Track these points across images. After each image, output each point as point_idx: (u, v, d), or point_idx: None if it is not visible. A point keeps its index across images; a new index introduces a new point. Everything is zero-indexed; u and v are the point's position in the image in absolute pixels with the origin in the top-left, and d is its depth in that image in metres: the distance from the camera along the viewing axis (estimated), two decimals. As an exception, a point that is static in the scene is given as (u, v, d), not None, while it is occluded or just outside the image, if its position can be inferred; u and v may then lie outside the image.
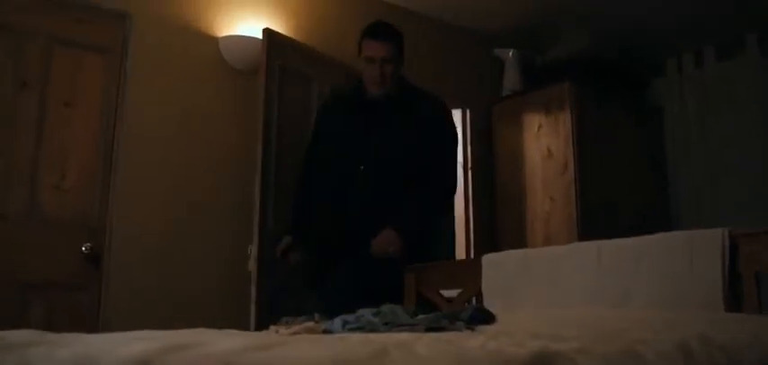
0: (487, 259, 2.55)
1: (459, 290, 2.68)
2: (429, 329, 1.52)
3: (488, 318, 1.85)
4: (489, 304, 2.30)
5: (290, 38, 3.58)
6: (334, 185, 2.83)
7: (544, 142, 4.34)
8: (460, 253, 4.44)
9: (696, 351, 1.15)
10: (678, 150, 4.88)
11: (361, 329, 1.53)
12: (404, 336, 1.26)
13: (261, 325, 2.81)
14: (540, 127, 4.39)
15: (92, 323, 3.01)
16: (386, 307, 1.68)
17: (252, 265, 3.11)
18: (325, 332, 1.54)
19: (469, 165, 4.56)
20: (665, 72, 5.02)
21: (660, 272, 2.01)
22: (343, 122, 2.92)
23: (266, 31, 3.33)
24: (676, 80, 4.95)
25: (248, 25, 3.58)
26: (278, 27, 3.67)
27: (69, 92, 3.18)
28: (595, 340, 1.13)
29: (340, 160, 2.85)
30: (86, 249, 3.09)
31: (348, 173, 2.80)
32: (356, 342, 1.17)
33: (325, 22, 3.95)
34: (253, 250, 3.12)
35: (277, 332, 1.57)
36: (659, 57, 5.01)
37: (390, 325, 1.55)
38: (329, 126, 2.98)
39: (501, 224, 4.53)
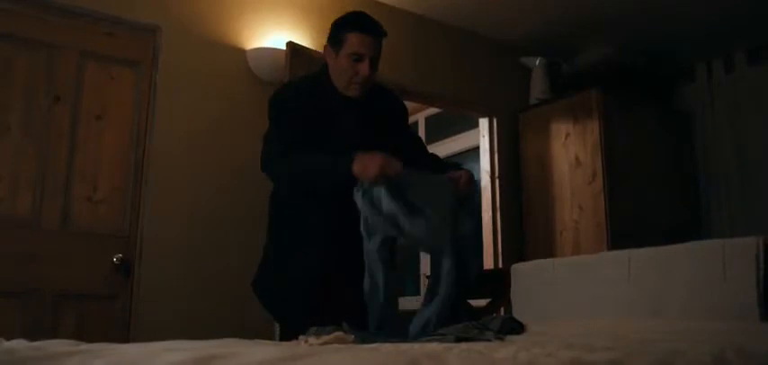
0: (516, 268, 2.54)
1: (488, 300, 2.67)
2: (459, 339, 1.52)
3: (518, 328, 1.84)
4: (518, 313, 2.29)
5: (313, 50, 3.61)
6: (329, 203, 2.26)
7: (572, 150, 4.30)
8: (488, 262, 4.42)
9: (733, 362, 1.13)
10: (709, 157, 4.80)
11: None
12: (434, 347, 1.26)
13: (284, 336, 2.82)
14: (567, 135, 4.35)
15: (122, 332, 3.06)
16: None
17: (279, 275, 3.12)
18: (355, 342, 1.54)
19: (497, 174, 4.54)
20: (695, 77, 4.95)
21: (692, 282, 1.98)
22: (328, 125, 2.33)
23: (290, 45, 3.37)
24: (706, 86, 4.87)
25: (275, 37, 3.62)
26: (303, 39, 3.71)
27: (100, 105, 3.24)
28: (629, 351, 1.11)
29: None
30: (117, 259, 3.13)
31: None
32: (387, 352, 1.16)
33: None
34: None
35: (306, 342, 1.57)
36: (688, 62, 4.94)
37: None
38: (310, 127, 2.30)
39: (529, 233, 4.50)
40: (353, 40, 2.30)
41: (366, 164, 2.01)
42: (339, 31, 2.35)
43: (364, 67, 2.29)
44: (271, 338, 2.76)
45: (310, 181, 2.20)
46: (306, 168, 2.18)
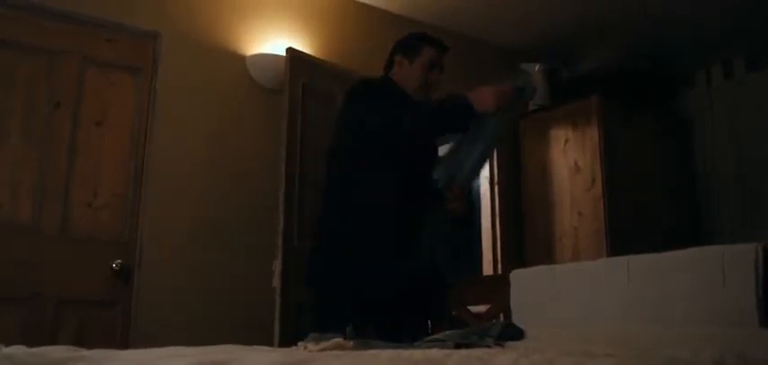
0: (516, 275, 2.54)
1: (487, 306, 2.67)
2: (458, 345, 1.52)
3: (517, 334, 1.84)
4: (518, 320, 2.29)
5: (313, 56, 3.62)
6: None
7: (571, 156, 4.31)
8: (487, 268, 4.41)
9: (733, 369, 1.13)
10: (708, 163, 4.80)
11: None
12: (434, 353, 1.26)
13: (284, 341, 2.82)
14: (566, 141, 4.35)
15: (122, 338, 3.05)
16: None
17: (276, 281, 3.13)
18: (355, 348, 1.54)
19: (496, 180, 4.54)
20: (694, 83, 4.95)
21: (692, 288, 1.98)
22: (406, 129, 2.43)
23: (290, 51, 3.38)
24: (706, 92, 4.88)
25: (275, 43, 3.62)
26: (303, 45, 3.71)
27: (101, 111, 3.24)
28: (629, 357, 1.11)
29: (413, 176, 2.45)
30: (117, 265, 3.13)
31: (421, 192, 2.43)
32: (386, 359, 1.16)
33: (351, 41, 3.98)
34: (277, 266, 3.14)
35: (305, 348, 1.57)
36: (688, 68, 4.94)
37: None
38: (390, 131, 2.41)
39: (528, 239, 4.49)
40: (430, 52, 2.69)
41: (482, 98, 2.33)
42: (416, 43, 2.73)
43: (436, 76, 2.68)
44: (270, 344, 2.76)
45: (447, 120, 2.44)
46: (439, 114, 2.45)
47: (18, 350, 1.13)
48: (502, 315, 2.63)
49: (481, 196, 4.55)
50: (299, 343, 1.67)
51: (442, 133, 2.62)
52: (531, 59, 4.69)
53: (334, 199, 2.57)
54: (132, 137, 3.30)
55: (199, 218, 3.36)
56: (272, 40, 3.65)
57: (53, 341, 2.55)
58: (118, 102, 3.30)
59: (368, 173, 2.46)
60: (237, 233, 3.44)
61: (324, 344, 1.54)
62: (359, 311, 2.31)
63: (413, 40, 2.76)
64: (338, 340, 1.58)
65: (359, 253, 2.39)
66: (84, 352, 1.15)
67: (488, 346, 1.53)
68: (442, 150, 2.63)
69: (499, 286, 2.60)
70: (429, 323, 2.57)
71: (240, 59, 3.60)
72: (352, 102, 2.55)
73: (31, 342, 1.32)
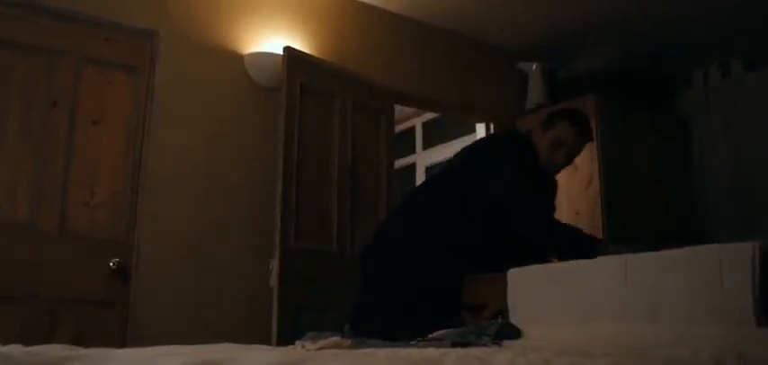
0: (513, 273, 2.53)
1: (485, 305, 2.66)
2: (455, 344, 1.52)
3: (515, 334, 1.84)
4: (515, 319, 2.29)
5: (311, 55, 3.62)
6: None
7: (569, 155, 4.30)
8: (485, 267, 4.41)
9: (730, 367, 1.13)
10: (705, 162, 4.81)
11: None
12: (431, 352, 1.26)
13: (282, 340, 2.82)
14: (564, 140, 4.35)
15: (119, 337, 3.05)
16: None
17: (274, 280, 3.13)
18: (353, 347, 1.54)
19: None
20: (692, 82, 4.96)
21: (689, 287, 1.98)
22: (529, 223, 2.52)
23: (287, 49, 3.37)
24: (702, 91, 4.89)
25: (273, 42, 3.62)
26: (302, 44, 3.71)
27: (98, 110, 3.23)
28: (627, 356, 1.11)
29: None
30: (114, 265, 3.12)
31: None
32: (384, 357, 1.17)
33: (350, 40, 3.98)
34: (275, 265, 3.14)
35: (303, 347, 1.58)
36: (687, 68, 4.95)
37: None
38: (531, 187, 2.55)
39: (525, 238, 4.49)
40: (563, 131, 2.56)
41: None
42: (554, 115, 2.63)
43: (560, 156, 2.57)
44: (268, 343, 2.76)
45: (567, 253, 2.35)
46: (567, 248, 2.37)
47: (16, 349, 1.13)
48: (499, 314, 2.63)
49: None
50: (297, 342, 1.68)
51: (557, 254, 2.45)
52: (529, 59, 4.70)
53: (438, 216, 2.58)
54: (130, 137, 3.30)
55: (196, 216, 3.36)
56: (270, 39, 3.65)
57: (51, 340, 2.54)
58: (115, 101, 3.29)
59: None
60: (235, 232, 3.44)
61: (322, 343, 1.55)
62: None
63: (554, 111, 2.68)
64: (336, 339, 1.59)
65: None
66: (82, 351, 1.15)
67: (486, 345, 1.53)
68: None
69: (496, 284, 2.60)
70: None
71: (238, 58, 3.60)
72: (508, 151, 2.59)
73: (28, 341, 1.32)
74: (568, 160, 2.62)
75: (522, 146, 2.64)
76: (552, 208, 2.79)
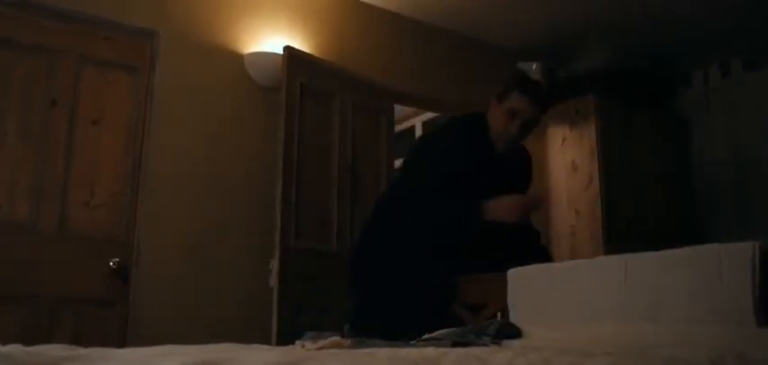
0: (513, 273, 2.53)
1: (485, 305, 2.66)
2: (455, 344, 1.52)
3: (515, 333, 1.84)
4: (515, 318, 2.29)
5: (311, 55, 3.62)
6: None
7: (569, 155, 4.31)
8: (485, 267, 4.41)
9: (731, 368, 1.13)
10: (705, 162, 4.81)
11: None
12: (430, 352, 1.26)
13: (282, 340, 2.82)
14: (564, 140, 4.36)
15: (119, 337, 3.05)
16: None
17: (274, 280, 3.13)
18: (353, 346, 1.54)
19: (493, 179, 4.54)
20: (692, 82, 4.96)
21: (689, 287, 1.98)
22: (471, 174, 2.46)
23: (287, 49, 3.37)
24: (702, 91, 4.89)
25: (273, 42, 3.62)
26: (302, 43, 3.71)
27: (98, 109, 3.23)
28: (627, 356, 1.11)
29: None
30: (114, 264, 3.13)
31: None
32: (384, 357, 1.17)
33: (350, 40, 3.98)
34: (274, 265, 3.14)
35: (303, 346, 1.57)
36: (687, 68, 4.95)
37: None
38: (458, 173, 2.44)
39: (525, 238, 4.49)
40: (515, 99, 2.48)
41: (506, 212, 2.31)
42: (508, 85, 2.54)
43: (514, 125, 2.47)
44: (268, 342, 2.76)
45: (447, 231, 2.33)
46: (439, 220, 2.33)
47: (15, 348, 1.13)
48: (499, 313, 2.63)
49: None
50: (297, 342, 1.67)
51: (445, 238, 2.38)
52: (529, 58, 4.69)
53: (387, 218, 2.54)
54: (129, 136, 3.30)
55: (196, 216, 3.36)
56: (270, 39, 3.65)
57: (51, 340, 2.54)
58: (115, 101, 3.29)
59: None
60: (235, 232, 3.44)
61: (321, 343, 1.54)
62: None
63: (507, 81, 2.57)
64: (336, 338, 1.58)
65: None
66: (82, 351, 1.15)
67: (485, 345, 1.53)
68: None
69: (496, 284, 2.60)
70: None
71: (238, 58, 3.60)
72: (427, 140, 2.62)
73: (28, 340, 1.32)
74: (525, 129, 2.53)
75: (458, 130, 2.59)
76: (527, 184, 2.70)
